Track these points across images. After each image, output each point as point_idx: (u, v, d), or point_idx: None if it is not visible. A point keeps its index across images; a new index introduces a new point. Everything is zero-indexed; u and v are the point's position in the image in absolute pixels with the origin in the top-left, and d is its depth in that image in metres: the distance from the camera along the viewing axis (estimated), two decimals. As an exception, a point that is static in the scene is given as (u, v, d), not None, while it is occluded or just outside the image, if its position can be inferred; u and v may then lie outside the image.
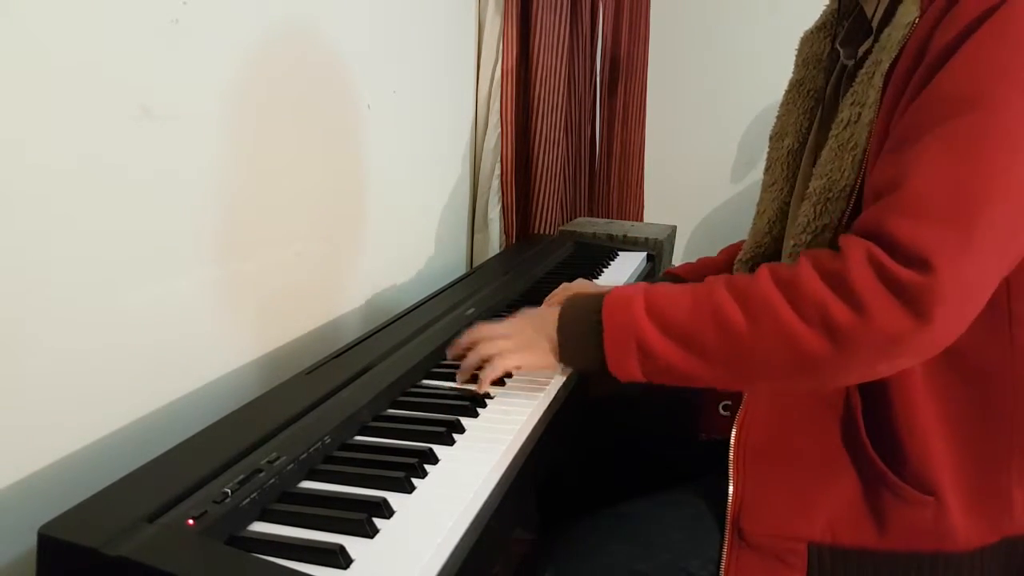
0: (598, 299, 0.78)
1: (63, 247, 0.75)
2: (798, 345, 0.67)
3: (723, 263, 1.14)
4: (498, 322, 0.88)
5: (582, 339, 0.78)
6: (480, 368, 0.84)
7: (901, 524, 0.74)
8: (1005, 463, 0.75)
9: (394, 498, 0.63)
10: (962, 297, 0.63)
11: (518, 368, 0.84)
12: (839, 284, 0.66)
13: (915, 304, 0.63)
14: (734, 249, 1.17)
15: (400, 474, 0.66)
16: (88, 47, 0.74)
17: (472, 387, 0.85)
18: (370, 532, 0.58)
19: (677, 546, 0.78)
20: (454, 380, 0.88)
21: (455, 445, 0.74)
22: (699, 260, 1.19)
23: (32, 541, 0.54)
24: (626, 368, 0.75)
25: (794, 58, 0.96)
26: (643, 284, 0.78)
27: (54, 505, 0.58)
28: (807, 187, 0.82)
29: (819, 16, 0.94)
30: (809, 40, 0.94)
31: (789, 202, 0.92)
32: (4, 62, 0.67)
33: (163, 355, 0.88)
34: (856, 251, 0.66)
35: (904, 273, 0.63)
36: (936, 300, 0.62)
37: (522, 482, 0.71)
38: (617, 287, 0.79)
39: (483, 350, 0.84)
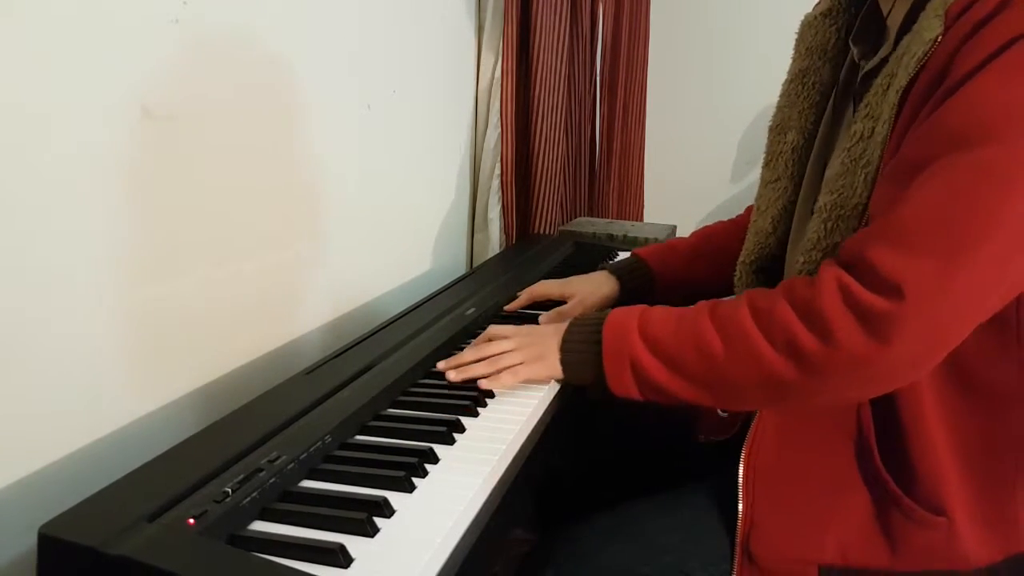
0: (599, 320, 0.81)
1: (63, 246, 0.74)
2: (768, 370, 0.69)
3: (691, 246, 1.15)
4: (506, 328, 0.90)
5: (584, 356, 0.81)
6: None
7: (912, 545, 0.74)
8: (1016, 481, 0.74)
9: (395, 497, 0.63)
10: (929, 330, 0.63)
11: (527, 381, 0.86)
12: (807, 311, 0.67)
13: (876, 328, 0.64)
14: (705, 231, 1.16)
15: (400, 473, 0.66)
16: (88, 47, 0.74)
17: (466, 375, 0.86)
18: (370, 531, 0.58)
19: (678, 548, 0.78)
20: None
21: (456, 444, 0.74)
22: (668, 242, 1.19)
23: (32, 541, 0.54)
24: (624, 386, 0.78)
25: (794, 44, 0.92)
26: (640, 307, 0.81)
27: (54, 505, 0.58)
28: (815, 193, 0.81)
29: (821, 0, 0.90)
30: (812, 27, 0.89)
31: (795, 201, 0.90)
32: (5, 61, 0.67)
33: (164, 354, 0.88)
34: (828, 277, 0.67)
35: (871, 299, 0.64)
36: (898, 326, 0.63)
37: (522, 482, 0.71)
38: (617, 309, 0.82)
39: (500, 362, 0.85)
